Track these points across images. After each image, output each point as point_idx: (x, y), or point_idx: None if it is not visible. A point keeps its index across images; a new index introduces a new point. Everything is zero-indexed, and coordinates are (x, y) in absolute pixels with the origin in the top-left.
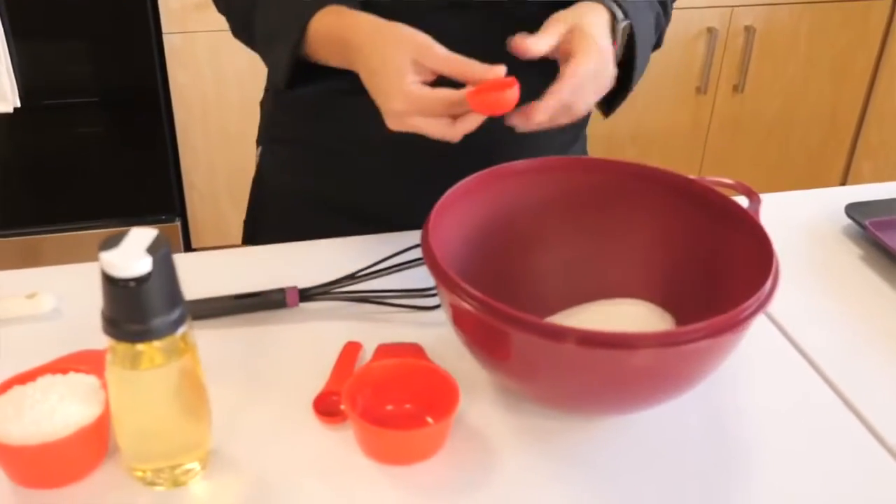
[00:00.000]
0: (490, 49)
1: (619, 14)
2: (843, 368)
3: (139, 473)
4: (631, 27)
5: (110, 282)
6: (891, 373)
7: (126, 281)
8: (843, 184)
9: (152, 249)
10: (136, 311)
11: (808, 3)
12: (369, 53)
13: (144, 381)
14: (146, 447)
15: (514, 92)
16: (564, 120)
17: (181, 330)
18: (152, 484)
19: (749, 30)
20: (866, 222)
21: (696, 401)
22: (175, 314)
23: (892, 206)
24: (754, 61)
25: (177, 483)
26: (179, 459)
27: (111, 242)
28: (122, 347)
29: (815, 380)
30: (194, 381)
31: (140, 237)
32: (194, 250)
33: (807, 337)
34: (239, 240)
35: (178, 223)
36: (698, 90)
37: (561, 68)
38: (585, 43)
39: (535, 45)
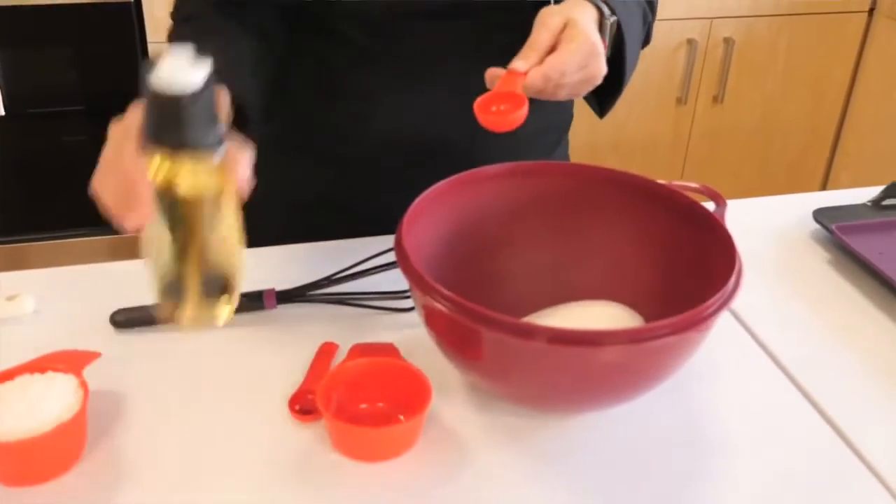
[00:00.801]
0: (487, 55)
1: (607, 11)
2: (809, 368)
3: (168, 312)
4: (619, 24)
5: (157, 97)
6: (855, 372)
7: (174, 97)
8: None
9: (198, 65)
10: (181, 127)
11: (787, 16)
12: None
13: (183, 205)
14: (179, 276)
15: (523, 112)
16: (541, 95)
17: (221, 151)
18: (179, 322)
19: (728, 42)
20: (833, 227)
21: (667, 399)
22: (217, 134)
23: (859, 212)
24: (733, 73)
25: (204, 322)
26: (212, 292)
27: (156, 61)
28: (164, 167)
29: (782, 379)
30: (230, 210)
31: (183, 54)
32: None
33: (774, 338)
34: None
35: None
36: (679, 101)
37: (548, 56)
38: (578, 36)
39: (521, 66)
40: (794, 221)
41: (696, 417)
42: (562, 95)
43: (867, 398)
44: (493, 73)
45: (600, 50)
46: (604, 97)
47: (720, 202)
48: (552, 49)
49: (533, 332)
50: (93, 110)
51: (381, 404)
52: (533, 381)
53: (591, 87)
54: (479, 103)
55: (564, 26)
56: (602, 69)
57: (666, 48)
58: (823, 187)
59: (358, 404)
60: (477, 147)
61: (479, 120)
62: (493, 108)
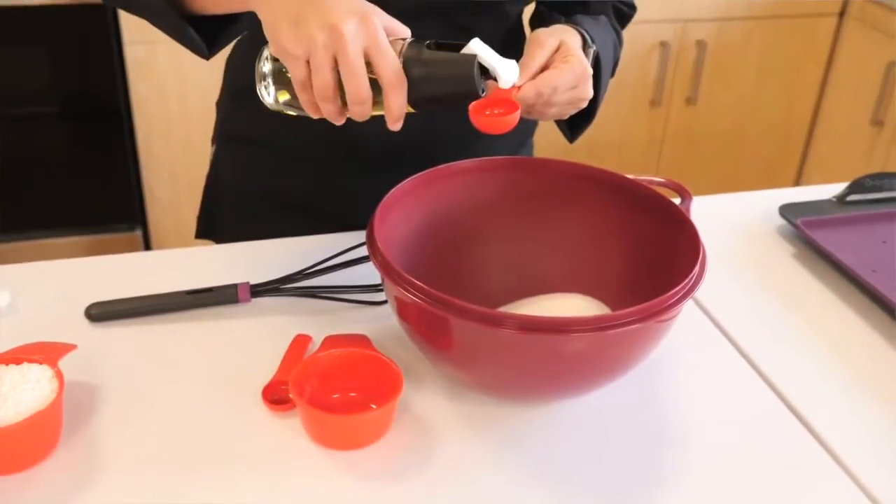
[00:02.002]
0: None
1: (589, 40)
2: (774, 359)
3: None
4: (597, 54)
5: (462, 73)
6: (819, 361)
7: (469, 90)
8: None
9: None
10: (433, 95)
11: (759, 19)
12: None
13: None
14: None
15: (516, 116)
16: (531, 113)
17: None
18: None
19: (701, 44)
20: (798, 221)
21: (635, 389)
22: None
23: (823, 207)
24: (706, 75)
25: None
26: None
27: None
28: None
29: (747, 369)
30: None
31: (510, 68)
32: None
33: (740, 330)
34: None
35: (138, 233)
36: (652, 103)
37: (542, 73)
38: (571, 58)
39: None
40: (760, 216)
41: (663, 407)
42: (550, 114)
43: (829, 386)
44: (488, 85)
45: (590, 74)
46: (575, 124)
47: (686, 196)
48: (545, 68)
49: (501, 320)
50: (67, 112)
51: (353, 394)
52: (501, 369)
53: (576, 110)
54: (473, 107)
55: (558, 47)
56: (589, 93)
57: (639, 50)
58: (796, 187)
59: (330, 394)
60: (440, 146)
61: (473, 122)
62: (487, 112)
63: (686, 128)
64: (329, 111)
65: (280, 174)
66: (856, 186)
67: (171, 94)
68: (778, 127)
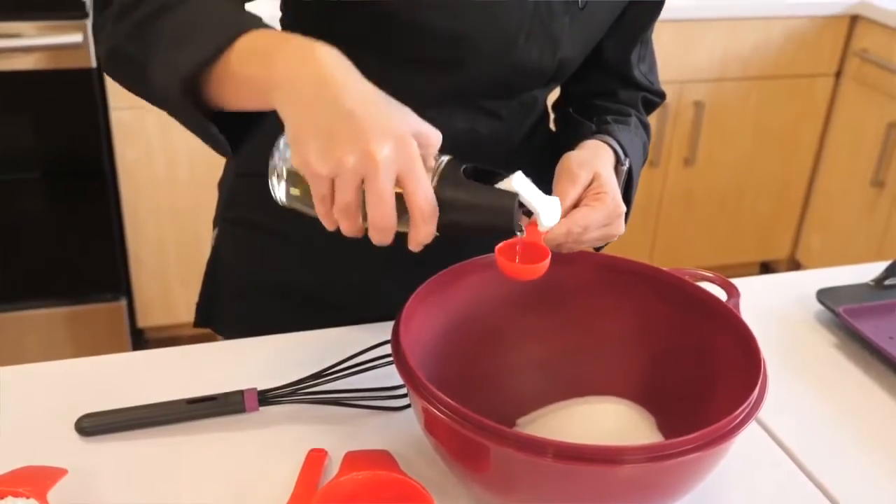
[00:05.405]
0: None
1: (622, 155)
2: (823, 461)
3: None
4: (630, 171)
5: (502, 209)
6: (869, 463)
7: (501, 225)
8: (793, 254)
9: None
10: (457, 223)
11: (755, 79)
12: (343, 80)
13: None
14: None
15: (545, 264)
16: (560, 248)
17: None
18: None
19: (698, 105)
20: (839, 309)
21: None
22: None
23: (860, 292)
24: (704, 135)
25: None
26: None
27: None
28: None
29: (795, 472)
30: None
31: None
32: (141, 330)
33: (785, 429)
34: (187, 318)
35: (123, 302)
36: (651, 163)
37: (573, 211)
38: (605, 197)
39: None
40: (795, 302)
41: None
42: (579, 248)
43: (889, 495)
44: (524, 222)
45: (622, 212)
46: None
47: (733, 293)
48: (576, 203)
49: (542, 447)
50: (51, 178)
51: None
52: (543, 498)
53: (606, 243)
54: (501, 248)
55: (591, 181)
56: (621, 229)
57: None
58: (794, 247)
59: None
60: (465, 239)
61: (499, 265)
62: (516, 258)
63: (684, 188)
64: (348, 228)
65: (288, 264)
66: (893, 270)
67: (159, 160)
68: (776, 187)
